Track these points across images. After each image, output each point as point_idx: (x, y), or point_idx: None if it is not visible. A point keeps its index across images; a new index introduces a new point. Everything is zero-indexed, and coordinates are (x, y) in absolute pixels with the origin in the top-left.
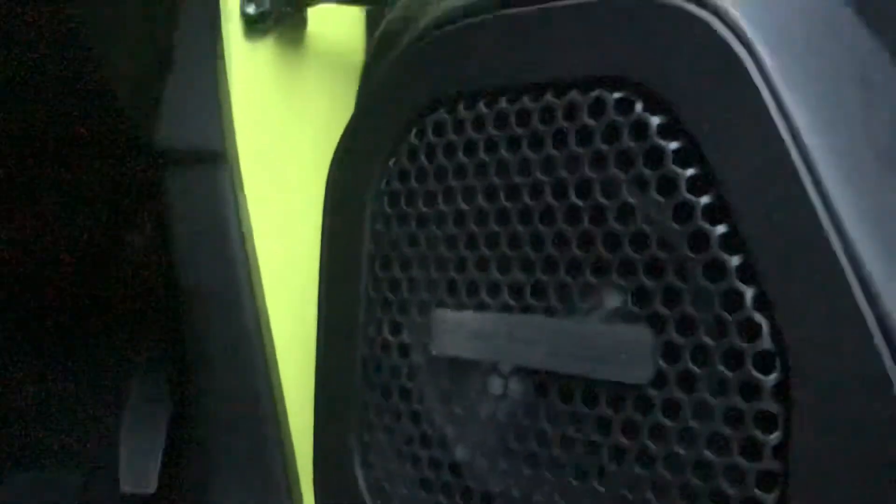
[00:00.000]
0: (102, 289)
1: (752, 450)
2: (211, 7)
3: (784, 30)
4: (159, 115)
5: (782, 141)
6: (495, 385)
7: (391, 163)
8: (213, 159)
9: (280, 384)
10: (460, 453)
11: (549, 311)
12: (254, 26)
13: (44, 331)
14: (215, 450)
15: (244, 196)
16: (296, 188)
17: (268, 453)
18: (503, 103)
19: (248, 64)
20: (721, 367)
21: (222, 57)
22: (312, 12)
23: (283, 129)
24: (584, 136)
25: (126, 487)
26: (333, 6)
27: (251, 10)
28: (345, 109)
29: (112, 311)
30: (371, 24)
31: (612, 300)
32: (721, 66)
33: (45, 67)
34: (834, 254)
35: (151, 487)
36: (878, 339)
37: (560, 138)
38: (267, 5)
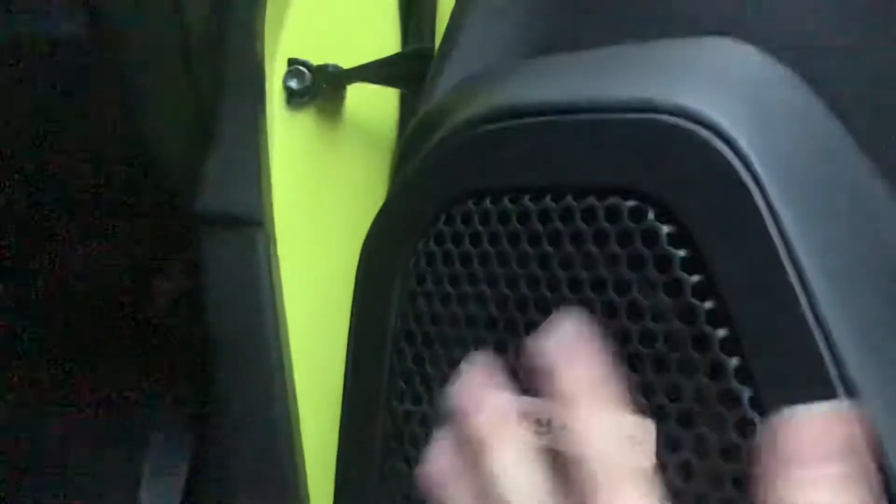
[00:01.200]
0: (130, 331)
1: None
2: (256, 81)
3: (781, 150)
4: (201, 180)
5: (780, 260)
6: None
7: (420, 244)
8: (250, 225)
9: (301, 448)
10: None
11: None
12: (295, 100)
13: (72, 371)
14: (235, 497)
15: (277, 261)
16: (328, 256)
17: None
18: (526, 201)
19: (288, 135)
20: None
21: (264, 128)
22: (350, 88)
23: (318, 199)
24: (600, 237)
25: None
26: (369, 84)
27: (293, 84)
28: (377, 181)
29: (137, 353)
30: (404, 101)
31: None
32: (719, 181)
33: (99, 137)
34: (822, 359)
35: None
36: None
37: (577, 238)
38: (308, 81)
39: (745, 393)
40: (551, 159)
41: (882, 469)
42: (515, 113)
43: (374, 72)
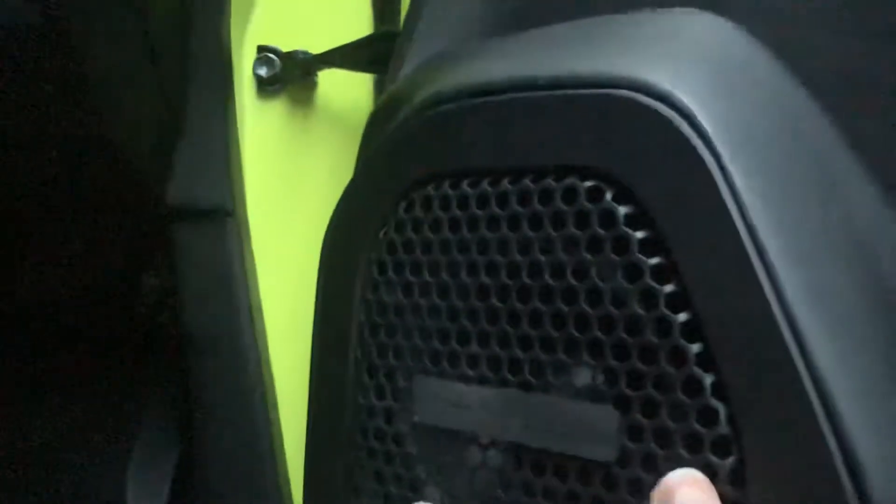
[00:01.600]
0: (120, 327)
1: None
2: (223, 69)
3: (743, 124)
4: (171, 173)
5: (740, 238)
6: (475, 455)
7: (381, 233)
8: (222, 215)
9: (281, 435)
10: None
11: (524, 386)
12: (265, 88)
13: (59, 367)
14: (217, 494)
15: (251, 250)
16: (302, 243)
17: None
18: (485, 185)
19: (258, 124)
20: (682, 451)
21: (233, 117)
22: (322, 74)
23: (291, 186)
24: (558, 220)
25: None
26: (341, 70)
27: (263, 72)
28: (351, 168)
29: (127, 349)
30: (378, 86)
31: (584, 378)
32: (676, 158)
33: (62, 128)
34: (784, 341)
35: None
36: (833, 447)
37: (536, 221)
38: (278, 68)
39: (708, 379)
40: (509, 139)
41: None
42: (472, 92)
43: (344, 56)
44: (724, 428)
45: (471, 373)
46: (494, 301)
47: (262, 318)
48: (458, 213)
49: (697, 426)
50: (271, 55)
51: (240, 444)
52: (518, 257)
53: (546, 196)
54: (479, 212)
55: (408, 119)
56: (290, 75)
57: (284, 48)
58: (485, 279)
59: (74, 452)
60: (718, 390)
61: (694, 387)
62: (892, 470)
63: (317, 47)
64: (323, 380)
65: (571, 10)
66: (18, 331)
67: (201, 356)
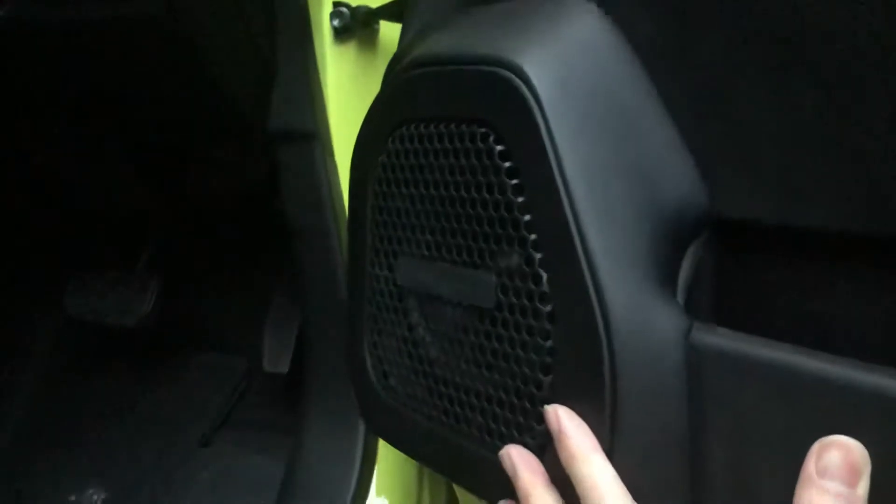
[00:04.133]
0: (255, 226)
1: (535, 349)
2: (305, 22)
3: (567, 81)
4: (268, 107)
5: (549, 162)
6: (443, 310)
7: (381, 157)
8: (310, 137)
9: None
10: (433, 352)
11: (464, 264)
12: (339, 36)
13: (221, 257)
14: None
15: (333, 162)
16: None
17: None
18: (430, 127)
19: (335, 64)
20: (524, 300)
21: (314, 60)
22: (382, 22)
23: (361, 112)
24: (466, 154)
25: (268, 367)
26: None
27: (336, 23)
28: None
29: (261, 243)
30: None
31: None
32: (519, 110)
33: (176, 86)
34: (570, 231)
35: (285, 368)
36: (592, 291)
37: (453, 153)
38: (348, 20)
39: (536, 256)
40: (439, 97)
41: None
42: (425, 62)
43: (388, 11)
44: (544, 286)
45: (429, 253)
46: (440, 208)
47: (343, 210)
48: (416, 145)
49: (532, 285)
50: (343, 9)
51: (328, 308)
52: (441, 176)
53: (459, 136)
54: (426, 145)
55: (395, 77)
56: (356, 25)
57: (353, 2)
58: (432, 192)
59: (231, 316)
60: (542, 264)
61: (529, 262)
62: (631, 309)
63: (376, 2)
64: (352, 253)
65: None
66: (189, 219)
67: (299, 245)
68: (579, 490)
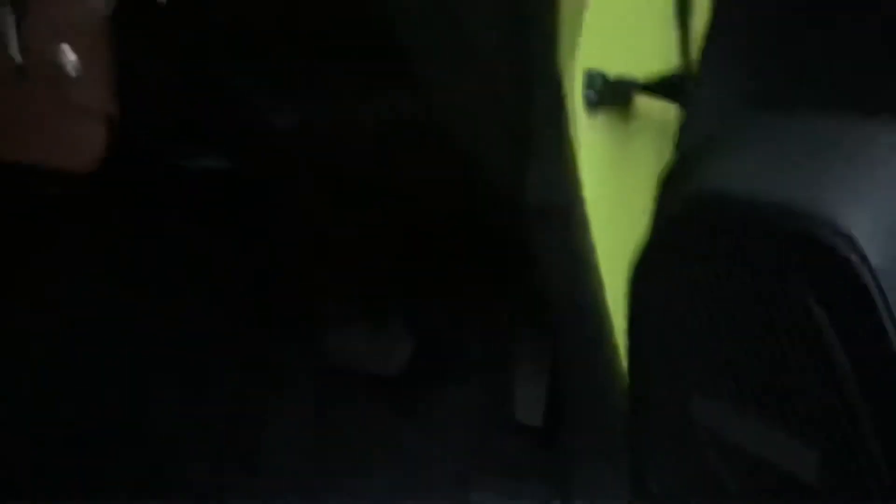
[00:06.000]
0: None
1: None
2: (561, 97)
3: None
4: (523, 184)
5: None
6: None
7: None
8: (567, 210)
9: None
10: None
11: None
12: (592, 107)
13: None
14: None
15: (589, 236)
16: (627, 231)
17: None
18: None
19: (588, 136)
20: None
21: (568, 133)
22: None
23: (616, 184)
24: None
25: (521, 418)
26: None
27: (590, 95)
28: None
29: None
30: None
31: None
32: (849, 283)
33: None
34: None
35: (538, 422)
36: None
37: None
38: (602, 91)
39: None
40: (737, 241)
41: None
42: (716, 207)
43: (654, 87)
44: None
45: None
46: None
47: (602, 286)
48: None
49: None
50: (597, 79)
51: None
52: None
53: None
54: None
55: (675, 216)
56: (611, 97)
57: (607, 69)
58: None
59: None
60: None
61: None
62: None
63: (629, 68)
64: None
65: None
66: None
67: (567, 321)
68: None
